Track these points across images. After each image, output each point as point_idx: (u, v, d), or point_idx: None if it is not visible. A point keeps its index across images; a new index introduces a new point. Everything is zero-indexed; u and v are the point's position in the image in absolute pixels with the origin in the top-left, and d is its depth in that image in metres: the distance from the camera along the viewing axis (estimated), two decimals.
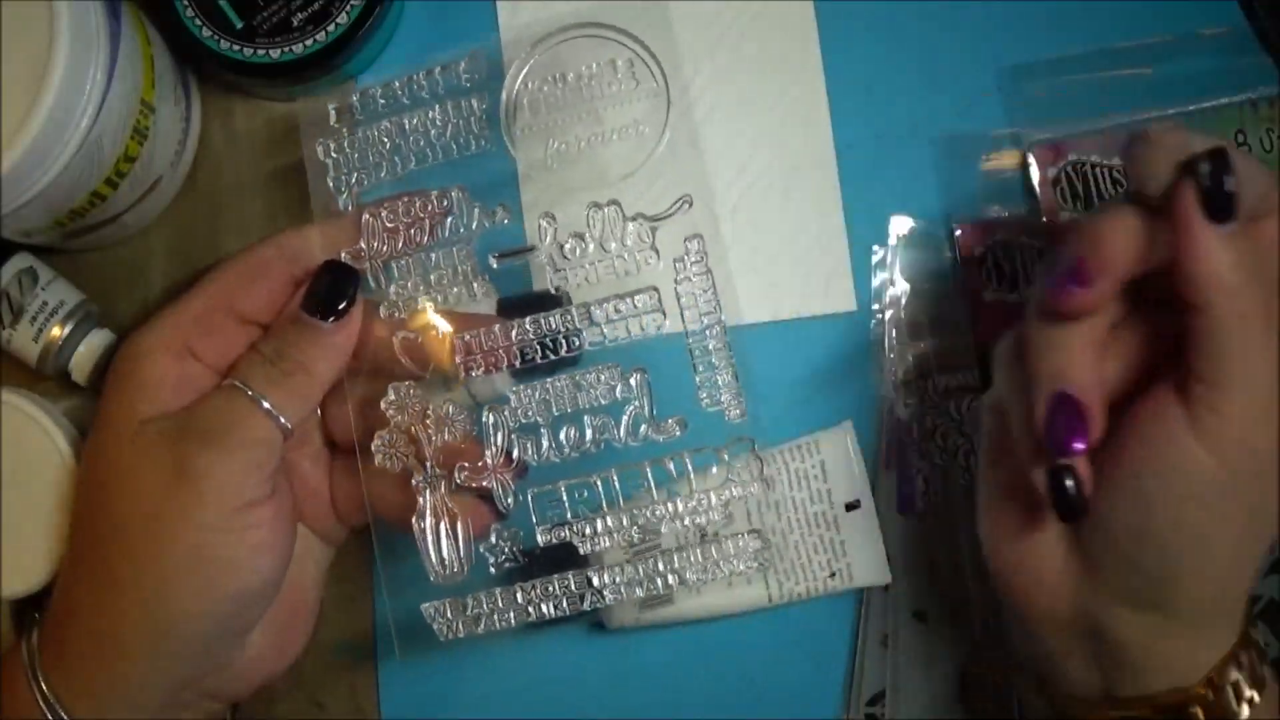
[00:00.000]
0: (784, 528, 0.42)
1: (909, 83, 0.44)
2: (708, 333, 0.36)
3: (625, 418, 0.35)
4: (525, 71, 0.37)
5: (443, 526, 0.35)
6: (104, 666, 0.33)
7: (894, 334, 0.43)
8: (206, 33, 0.40)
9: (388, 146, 0.37)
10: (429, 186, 0.36)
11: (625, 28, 0.37)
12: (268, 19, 0.40)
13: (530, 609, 0.36)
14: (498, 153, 0.37)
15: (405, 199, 0.36)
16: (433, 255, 0.36)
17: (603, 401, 0.35)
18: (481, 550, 0.35)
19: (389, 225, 0.36)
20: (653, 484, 0.36)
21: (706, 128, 0.44)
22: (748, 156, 0.44)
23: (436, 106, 0.36)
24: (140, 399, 0.34)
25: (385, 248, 0.36)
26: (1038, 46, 0.44)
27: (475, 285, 0.36)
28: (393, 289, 0.36)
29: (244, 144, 0.44)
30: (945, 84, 0.44)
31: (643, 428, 0.35)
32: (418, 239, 0.36)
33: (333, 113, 0.37)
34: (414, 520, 0.35)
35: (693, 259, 0.36)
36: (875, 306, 0.44)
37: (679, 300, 0.36)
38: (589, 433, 0.35)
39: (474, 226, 0.36)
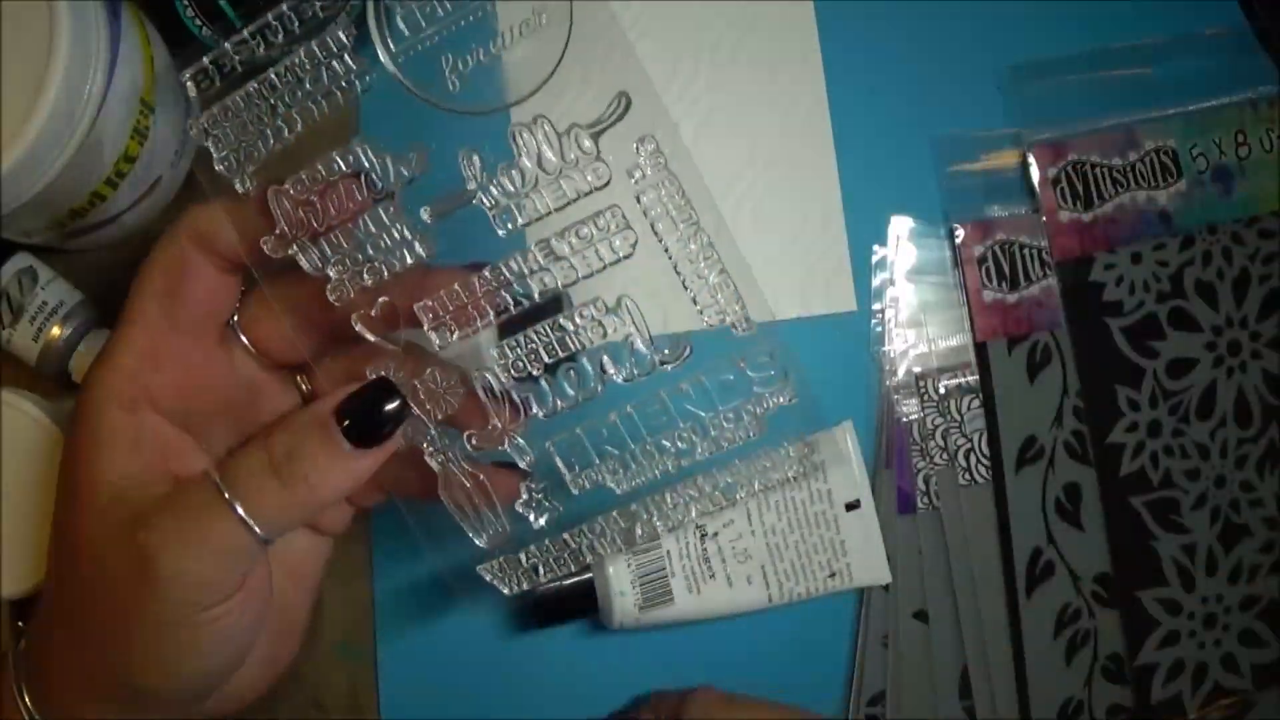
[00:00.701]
0: (784, 528, 0.42)
1: (909, 83, 0.44)
2: (689, 240, 0.32)
3: (624, 350, 0.32)
4: None
5: (472, 495, 0.33)
6: (81, 704, 0.32)
7: (894, 334, 0.43)
8: (206, 33, 0.40)
9: (264, 111, 0.31)
10: (324, 146, 0.31)
11: None
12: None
13: (585, 551, 0.34)
14: (387, 88, 0.31)
15: (307, 168, 0.31)
16: (361, 223, 0.31)
17: (594, 340, 0.32)
18: (519, 508, 0.33)
19: (300, 198, 0.31)
20: (673, 410, 0.32)
21: (706, 128, 0.44)
22: (748, 156, 0.44)
23: (301, 52, 0.31)
24: (98, 460, 0.31)
25: (305, 225, 0.31)
26: (1038, 46, 0.44)
27: (417, 245, 0.31)
28: (331, 271, 0.31)
29: None
30: (945, 84, 0.44)
31: (645, 356, 0.31)
32: (336, 209, 0.31)
33: (190, 85, 0.32)
34: (441, 494, 0.33)
35: (648, 163, 0.31)
36: (875, 306, 0.44)
37: (645, 214, 0.31)
38: (590, 371, 0.32)
39: (392, 180, 0.31)
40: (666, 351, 0.32)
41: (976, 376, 0.43)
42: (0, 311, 0.40)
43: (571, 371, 0.32)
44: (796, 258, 0.44)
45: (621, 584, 0.40)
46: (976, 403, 0.43)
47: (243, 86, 0.31)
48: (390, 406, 0.31)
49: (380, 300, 0.31)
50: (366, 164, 0.31)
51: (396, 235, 0.31)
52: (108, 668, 0.31)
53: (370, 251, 0.31)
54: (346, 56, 0.31)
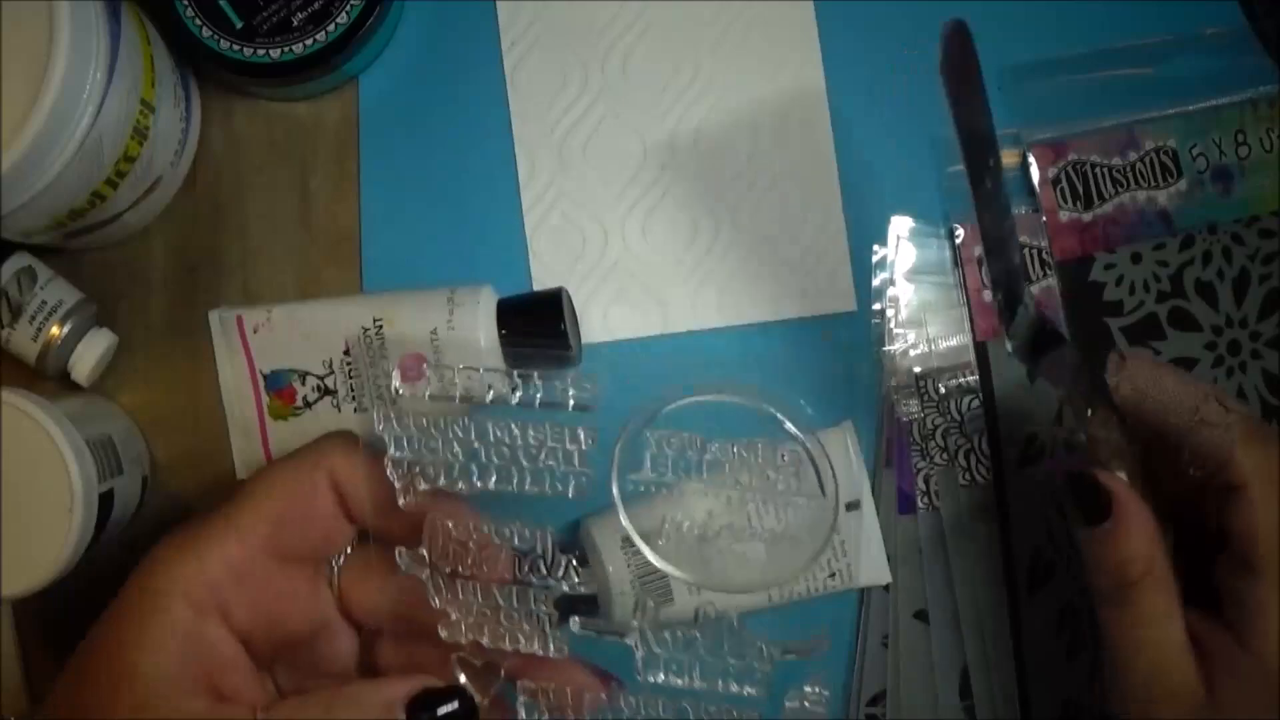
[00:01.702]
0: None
1: (909, 82, 0.44)
2: None
3: None
4: (653, 418, 0.31)
5: None
6: None
7: (894, 334, 0.43)
8: (206, 33, 0.40)
9: (462, 446, 0.30)
10: (508, 513, 0.31)
11: (801, 423, 0.31)
12: (268, 19, 0.40)
13: None
14: (598, 498, 0.31)
15: (480, 523, 0.31)
16: (507, 589, 0.31)
17: None
18: None
19: (457, 538, 0.31)
20: None
21: (706, 128, 0.44)
22: (748, 156, 0.44)
23: (532, 426, 0.30)
24: (146, 653, 0.29)
25: (449, 560, 0.31)
26: (1038, 46, 0.44)
27: (550, 643, 0.31)
28: (451, 610, 0.31)
29: (244, 144, 0.44)
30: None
31: None
32: (487, 571, 0.31)
33: (395, 378, 0.31)
34: None
35: (809, 700, 0.31)
36: (875, 306, 0.44)
37: None
38: None
39: (559, 575, 0.31)
40: None
41: (976, 376, 0.43)
42: (0, 311, 0.40)
43: None
44: (796, 258, 0.44)
45: (621, 584, 0.40)
46: (976, 403, 0.43)
47: (451, 416, 0.31)
48: (469, 707, 0.30)
49: (488, 660, 0.31)
50: (540, 551, 0.31)
51: (535, 621, 0.31)
52: None
53: (503, 620, 0.31)
54: (575, 454, 0.30)
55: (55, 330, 0.40)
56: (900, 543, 0.43)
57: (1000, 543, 0.43)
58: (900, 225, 0.44)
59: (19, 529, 0.37)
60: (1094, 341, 0.43)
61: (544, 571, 0.30)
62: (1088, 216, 0.44)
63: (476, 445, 0.31)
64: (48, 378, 0.41)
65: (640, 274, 0.44)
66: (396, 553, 0.31)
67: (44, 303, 0.40)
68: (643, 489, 0.31)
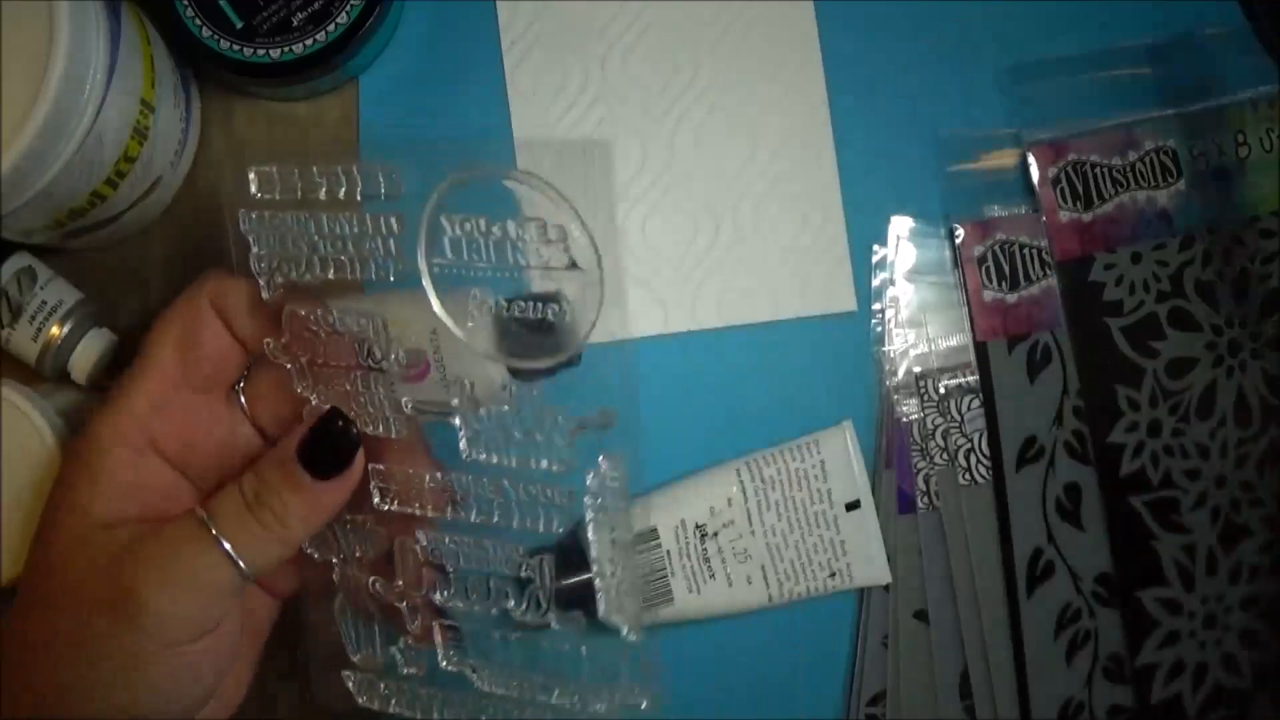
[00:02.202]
0: (784, 528, 0.42)
1: (909, 82, 0.44)
2: (618, 549, 0.34)
3: (528, 592, 0.34)
4: (446, 203, 0.33)
5: (360, 620, 0.35)
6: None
7: (894, 334, 0.43)
8: (206, 33, 0.40)
9: (305, 242, 0.33)
10: (349, 303, 0.33)
11: (561, 190, 0.32)
12: (268, 19, 0.40)
13: (435, 709, 0.35)
14: (415, 285, 0.33)
15: (329, 311, 0.33)
16: (353, 377, 0.33)
17: (506, 572, 0.34)
18: (391, 650, 0.35)
19: (311, 329, 0.33)
20: (548, 660, 0.35)
21: (706, 128, 0.44)
22: (748, 156, 0.44)
23: (354, 214, 0.33)
24: (93, 498, 0.32)
25: (305, 348, 0.33)
26: (1038, 45, 0.44)
27: (392, 423, 0.33)
28: (314, 396, 0.34)
29: (244, 144, 0.44)
30: (945, 84, 0.44)
31: (541, 608, 0.34)
32: (335, 359, 0.33)
33: (253, 179, 0.33)
34: (334, 608, 0.35)
35: (608, 479, 0.33)
36: (875, 306, 0.44)
37: (590, 509, 0.34)
38: (491, 594, 0.34)
39: (391, 362, 0.33)
40: (557, 619, 0.34)
41: (976, 376, 0.43)
42: (0, 311, 0.40)
43: (481, 584, 0.34)
44: (796, 258, 0.44)
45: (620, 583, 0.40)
46: (976, 403, 0.43)
47: (294, 210, 0.33)
48: (344, 436, 0.32)
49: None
50: (374, 337, 0.33)
51: (377, 404, 0.33)
52: (67, 699, 0.31)
53: (353, 405, 0.33)
54: (392, 241, 0.32)
55: (55, 330, 0.40)
56: (900, 543, 0.43)
57: (1000, 543, 0.43)
58: (900, 225, 0.44)
59: (15, 522, 0.37)
60: (1095, 344, 0.43)
61: (378, 356, 0.33)
62: (1088, 216, 0.44)
63: (316, 238, 0.33)
64: (47, 378, 0.41)
65: (640, 274, 0.44)
66: (265, 344, 0.33)
67: (44, 303, 0.40)
68: (449, 271, 0.32)
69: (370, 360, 0.33)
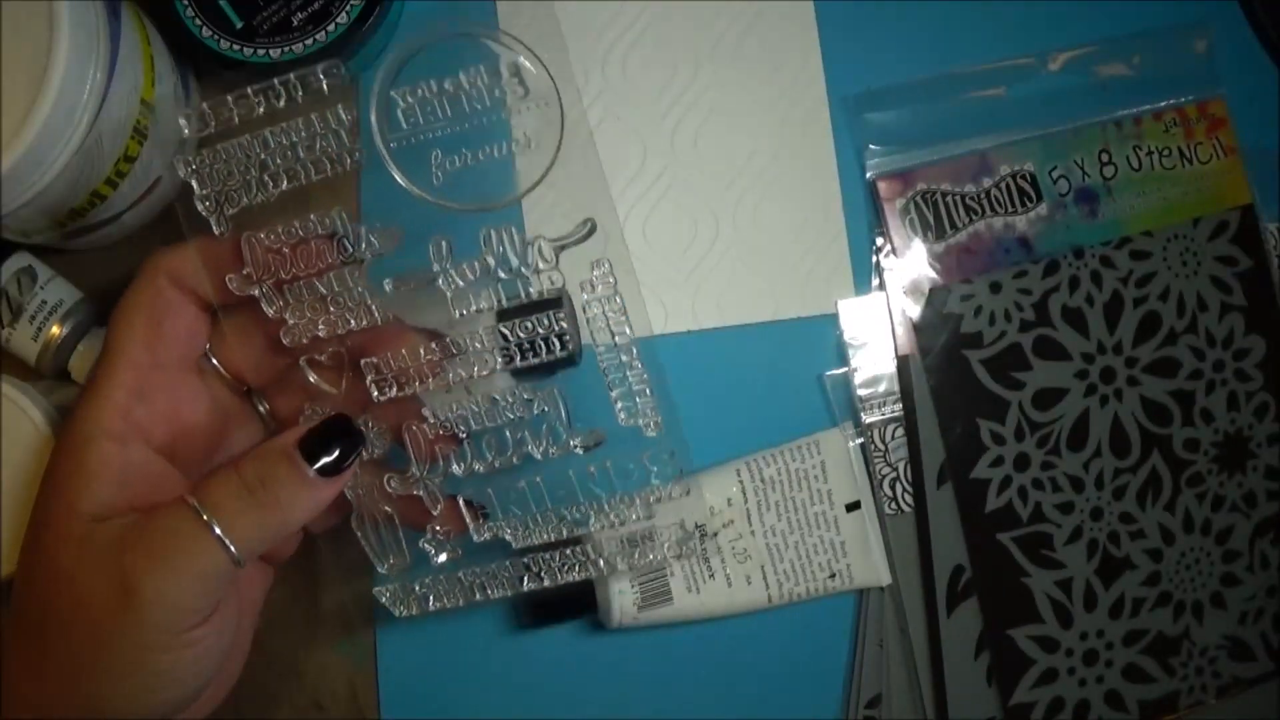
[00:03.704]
0: (784, 528, 0.42)
1: (909, 82, 0.44)
2: (620, 353, 0.35)
3: (544, 429, 0.35)
4: (394, 79, 0.34)
5: (380, 526, 0.36)
6: None
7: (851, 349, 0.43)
8: (206, 33, 0.40)
9: (252, 164, 0.33)
10: (310, 208, 0.34)
11: (510, 31, 0.34)
12: (268, 19, 0.40)
13: (475, 590, 0.36)
14: (377, 168, 0.34)
15: (285, 222, 0.33)
16: (326, 279, 0.34)
17: (520, 415, 0.35)
18: (422, 545, 0.36)
19: (273, 247, 0.33)
20: (577, 487, 0.36)
21: (706, 128, 0.44)
22: (748, 156, 0.44)
23: (299, 120, 0.33)
24: (83, 492, 0.32)
25: (271, 271, 0.33)
26: (1036, 45, 0.44)
27: (375, 309, 0.34)
28: (289, 316, 0.34)
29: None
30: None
31: (562, 438, 0.35)
32: (305, 263, 0.33)
33: (184, 124, 0.33)
34: (353, 523, 0.36)
35: (599, 284, 0.35)
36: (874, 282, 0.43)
37: (588, 323, 0.35)
38: (510, 443, 0.35)
39: (364, 249, 0.33)
40: (580, 439, 0.35)
41: (901, 407, 0.43)
42: (0, 310, 0.40)
43: (494, 439, 0.35)
44: (796, 258, 0.44)
45: (621, 583, 0.40)
46: (900, 432, 0.43)
47: (237, 136, 0.33)
48: (348, 441, 0.33)
49: (330, 350, 0.35)
50: (342, 230, 0.33)
51: (357, 297, 0.34)
52: (73, 699, 0.31)
53: (331, 307, 0.34)
54: (343, 133, 0.33)
55: (55, 330, 0.40)
56: (901, 542, 0.43)
57: (920, 561, 0.42)
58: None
59: (15, 518, 0.37)
60: (954, 377, 0.42)
61: (349, 248, 0.33)
62: (940, 246, 0.43)
63: (264, 157, 0.33)
64: (47, 377, 0.41)
65: (640, 274, 0.44)
66: (226, 279, 0.33)
67: (44, 302, 0.40)
68: (409, 142, 0.33)
69: (343, 253, 0.33)
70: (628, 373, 0.35)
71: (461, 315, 0.34)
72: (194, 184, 0.33)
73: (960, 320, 0.42)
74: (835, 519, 0.42)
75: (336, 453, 0.33)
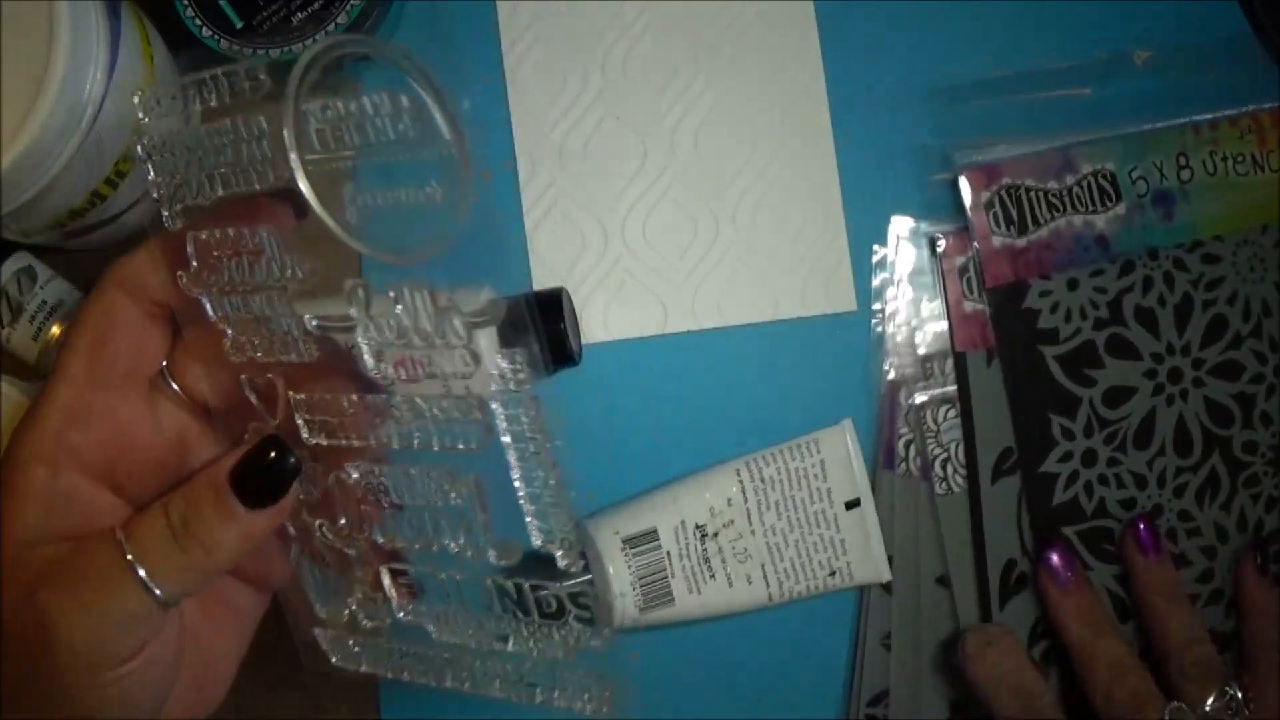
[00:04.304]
0: (784, 527, 0.42)
1: (909, 82, 0.44)
2: (535, 464, 0.29)
3: (460, 524, 0.30)
4: (302, 89, 0.29)
5: (318, 571, 0.33)
6: None
7: (893, 334, 0.43)
8: (206, 33, 0.40)
9: (195, 160, 0.30)
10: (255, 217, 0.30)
11: (413, 59, 0.29)
12: (268, 19, 0.40)
13: (403, 669, 0.33)
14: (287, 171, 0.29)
15: (226, 228, 0.30)
16: (258, 299, 0.30)
17: (438, 502, 0.31)
18: (349, 604, 0.33)
19: (215, 253, 0.30)
20: (495, 598, 0.31)
21: (706, 128, 0.44)
22: (748, 157, 0.44)
23: (229, 121, 0.29)
24: (14, 518, 0.29)
25: (214, 278, 0.30)
26: (1037, 44, 0.44)
27: (300, 345, 0.30)
28: (228, 329, 0.31)
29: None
30: (946, 83, 0.44)
31: (479, 541, 0.30)
32: (238, 278, 0.30)
33: (138, 106, 0.30)
34: (291, 556, 0.33)
35: (512, 377, 0.29)
36: (875, 306, 0.44)
37: (501, 419, 0.29)
38: (429, 527, 0.31)
39: (288, 275, 0.29)
40: (496, 549, 0.30)
41: (954, 386, 0.43)
42: (0, 310, 0.40)
43: (416, 519, 0.31)
44: (796, 258, 0.44)
45: (622, 585, 0.40)
46: (953, 412, 0.43)
47: (186, 128, 0.30)
48: (281, 465, 0.30)
49: (267, 375, 0.31)
50: (268, 251, 0.29)
51: (284, 327, 0.30)
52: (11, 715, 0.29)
53: (264, 330, 0.30)
54: (265, 144, 0.29)
55: (55, 330, 0.40)
56: (899, 503, 0.43)
57: (974, 554, 0.42)
58: (900, 225, 0.44)
59: None
60: (1029, 372, 0.42)
61: (275, 273, 0.29)
62: (1022, 242, 0.43)
63: (201, 155, 0.30)
64: (47, 376, 0.41)
65: (640, 274, 0.44)
66: (178, 277, 0.31)
67: (44, 302, 0.40)
68: (328, 167, 0.29)
69: (271, 277, 0.29)
70: (541, 474, 0.30)
71: (377, 372, 0.29)
72: (149, 168, 0.30)
73: (1037, 316, 0.43)
74: (835, 517, 0.42)
75: (268, 484, 0.30)
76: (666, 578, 0.41)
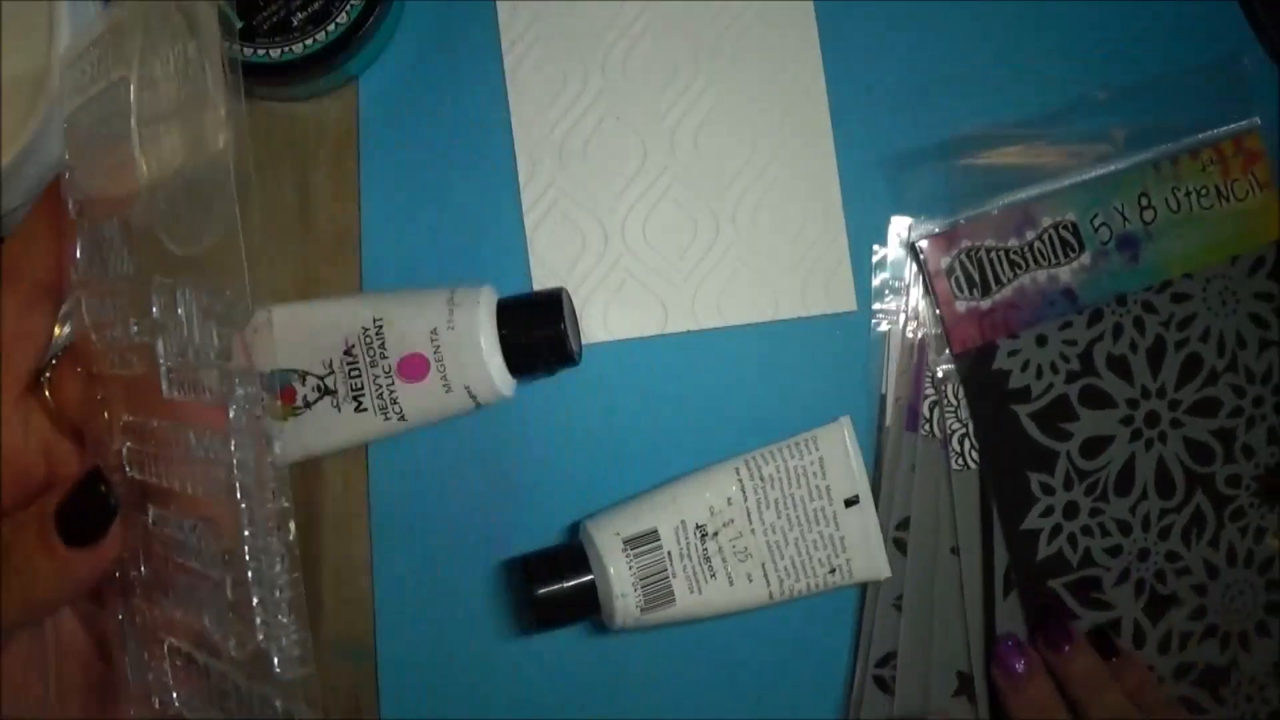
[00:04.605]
0: (784, 525, 0.42)
1: (909, 82, 0.44)
2: (263, 559, 0.24)
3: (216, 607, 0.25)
4: (68, 39, 0.26)
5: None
6: None
7: (894, 335, 0.44)
8: None
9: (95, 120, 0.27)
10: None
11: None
12: (268, 19, 0.40)
13: None
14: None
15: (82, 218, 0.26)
16: (108, 302, 0.27)
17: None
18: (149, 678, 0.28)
19: (78, 248, 0.27)
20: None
21: (706, 128, 0.44)
22: (748, 156, 0.44)
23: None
24: None
25: (85, 273, 0.27)
26: (1036, 44, 0.45)
27: (132, 356, 0.27)
28: (94, 335, 0.28)
29: (243, 144, 0.43)
30: (945, 84, 0.44)
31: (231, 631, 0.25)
32: (95, 275, 0.27)
33: (66, 73, 0.27)
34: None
35: (243, 414, 0.24)
36: (876, 306, 0.44)
37: (238, 486, 0.24)
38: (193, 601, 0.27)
39: (123, 269, 0.26)
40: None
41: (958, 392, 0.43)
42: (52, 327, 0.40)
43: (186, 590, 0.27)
44: (796, 258, 0.44)
45: (623, 586, 0.40)
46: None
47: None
48: (99, 503, 0.27)
49: (99, 395, 0.28)
50: (103, 251, 0.27)
51: (119, 331, 0.27)
52: None
53: (107, 335, 0.28)
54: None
55: (55, 330, 0.40)
56: (921, 466, 0.43)
57: (982, 541, 0.43)
58: (900, 225, 0.44)
59: None
60: (1003, 433, 0.42)
61: (119, 267, 0.26)
62: (986, 303, 0.43)
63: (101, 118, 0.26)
64: None
65: (640, 274, 0.44)
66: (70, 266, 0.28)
67: None
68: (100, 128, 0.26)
69: (117, 272, 0.26)
70: (268, 561, 0.24)
71: (167, 389, 0.25)
72: (67, 138, 0.27)
73: (1008, 376, 0.43)
74: (834, 514, 0.42)
75: (87, 523, 0.27)
76: (668, 578, 0.41)
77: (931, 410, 0.43)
